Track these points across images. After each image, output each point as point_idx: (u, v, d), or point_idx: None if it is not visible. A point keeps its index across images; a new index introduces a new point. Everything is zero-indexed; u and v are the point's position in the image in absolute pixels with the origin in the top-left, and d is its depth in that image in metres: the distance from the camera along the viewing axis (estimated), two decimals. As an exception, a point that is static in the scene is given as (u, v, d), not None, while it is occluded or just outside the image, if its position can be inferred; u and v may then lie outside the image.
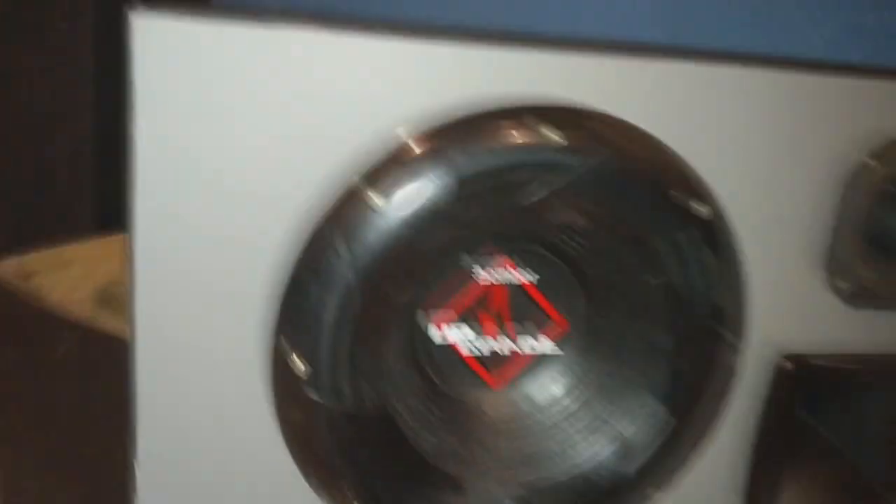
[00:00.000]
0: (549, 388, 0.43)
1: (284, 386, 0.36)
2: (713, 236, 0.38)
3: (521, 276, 0.42)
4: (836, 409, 0.48)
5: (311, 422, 0.36)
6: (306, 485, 0.38)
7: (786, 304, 0.42)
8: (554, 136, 0.35)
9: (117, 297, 0.63)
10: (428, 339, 0.41)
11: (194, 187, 0.34)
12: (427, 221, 0.35)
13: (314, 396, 0.36)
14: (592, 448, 0.42)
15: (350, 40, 0.34)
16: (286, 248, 0.35)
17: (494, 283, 0.42)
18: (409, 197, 0.35)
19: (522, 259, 0.41)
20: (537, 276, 0.42)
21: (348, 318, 0.35)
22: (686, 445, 0.41)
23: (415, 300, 0.39)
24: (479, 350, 0.43)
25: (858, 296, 0.42)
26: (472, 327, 0.42)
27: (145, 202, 0.33)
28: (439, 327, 0.42)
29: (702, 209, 0.38)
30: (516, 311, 0.42)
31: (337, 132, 0.35)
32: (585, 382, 0.43)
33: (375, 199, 0.34)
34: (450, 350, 0.42)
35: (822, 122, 0.40)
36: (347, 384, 0.36)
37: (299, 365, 0.35)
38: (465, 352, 0.42)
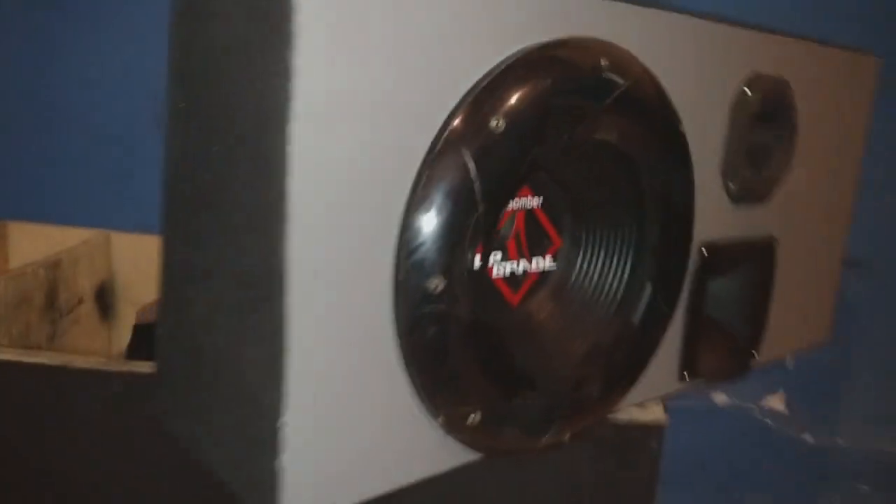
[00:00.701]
0: (552, 295, 0.51)
1: (415, 305, 0.38)
2: (686, 156, 0.50)
3: (533, 202, 0.49)
4: (720, 286, 0.63)
5: (443, 337, 0.39)
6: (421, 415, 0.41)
7: (700, 204, 0.55)
8: (604, 63, 0.43)
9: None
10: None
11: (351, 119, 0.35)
12: (526, 139, 0.40)
13: (449, 310, 0.39)
14: (604, 330, 0.50)
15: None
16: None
17: (516, 209, 0.48)
18: (520, 121, 0.40)
19: (535, 185, 0.48)
20: (542, 199, 0.49)
21: (468, 235, 0.39)
22: (666, 311, 0.52)
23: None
24: (503, 271, 0.48)
25: (740, 194, 0.57)
26: (500, 250, 0.48)
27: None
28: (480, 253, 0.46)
29: (681, 129, 0.49)
30: (529, 232, 0.49)
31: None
32: (580, 285, 0.51)
33: (496, 122, 0.39)
34: (484, 273, 0.47)
35: (717, 62, 0.54)
36: (468, 301, 0.40)
37: (435, 281, 0.38)
38: (495, 273, 0.48)
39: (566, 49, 0.42)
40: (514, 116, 0.39)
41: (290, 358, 0.35)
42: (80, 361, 0.56)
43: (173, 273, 0.45)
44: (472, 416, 0.42)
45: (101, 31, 0.90)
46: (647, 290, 0.50)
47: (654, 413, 0.55)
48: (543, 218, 0.50)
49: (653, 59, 0.47)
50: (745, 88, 0.55)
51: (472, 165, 0.38)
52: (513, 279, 0.49)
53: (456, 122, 0.38)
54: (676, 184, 0.50)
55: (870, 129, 0.71)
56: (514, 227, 0.48)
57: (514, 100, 0.39)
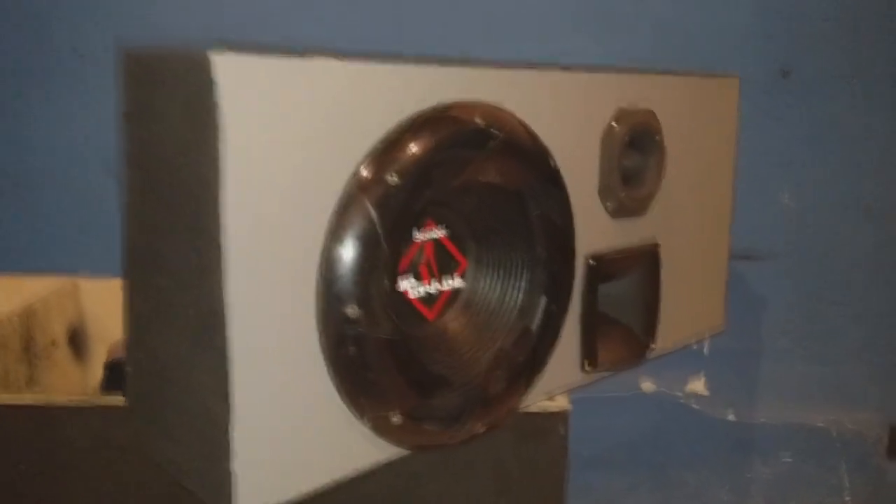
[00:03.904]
0: (463, 309, 0.60)
1: (337, 328, 0.47)
2: (560, 185, 0.59)
3: (438, 233, 0.58)
4: (609, 290, 0.73)
5: (363, 353, 0.48)
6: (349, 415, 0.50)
7: (584, 221, 0.65)
8: (479, 121, 0.53)
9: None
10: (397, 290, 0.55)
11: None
12: (417, 188, 0.50)
13: (365, 332, 0.48)
14: (509, 336, 0.60)
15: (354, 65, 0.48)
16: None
17: (424, 240, 0.57)
18: (412, 175, 0.49)
19: (438, 218, 0.58)
20: (447, 231, 0.59)
21: (380, 267, 0.48)
22: (559, 318, 0.62)
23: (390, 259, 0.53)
24: (419, 292, 0.58)
25: (618, 210, 0.67)
26: (414, 276, 0.57)
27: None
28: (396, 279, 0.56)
29: (552, 163, 0.59)
30: (439, 258, 0.58)
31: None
32: (484, 297, 0.61)
33: (393, 178, 0.48)
34: (400, 294, 0.56)
35: (586, 104, 0.64)
36: (385, 321, 0.49)
37: (352, 310, 0.47)
38: (411, 295, 0.57)
39: (449, 111, 0.52)
40: (405, 170, 0.48)
41: (235, 380, 0.44)
42: (59, 399, 0.64)
43: (136, 316, 0.54)
44: (394, 417, 0.51)
45: (62, 104, 0.99)
46: (542, 300, 0.60)
47: (560, 403, 0.65)
48: (449, 245, 0.59)
49: (528, 110, 0.57)
50: (613, 123, 0.65)
51: (374, 213, 0.47)
52: (428, 298, 0.58)
53: (359, 177, 0.48)
54: (555, 209, 0.60)
55: (738, 138, 0.82)
56: (425, 255, 0.57)
57: (404, 156, 0.49)
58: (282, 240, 0.45)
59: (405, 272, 0.56)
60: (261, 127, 0.43)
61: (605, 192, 0.66)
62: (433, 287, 0.58)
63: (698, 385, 1.11)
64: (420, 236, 0.57)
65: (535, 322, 0.60)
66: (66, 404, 0.63)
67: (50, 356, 0.91)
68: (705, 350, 1.09)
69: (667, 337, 0.77)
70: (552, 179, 0.59)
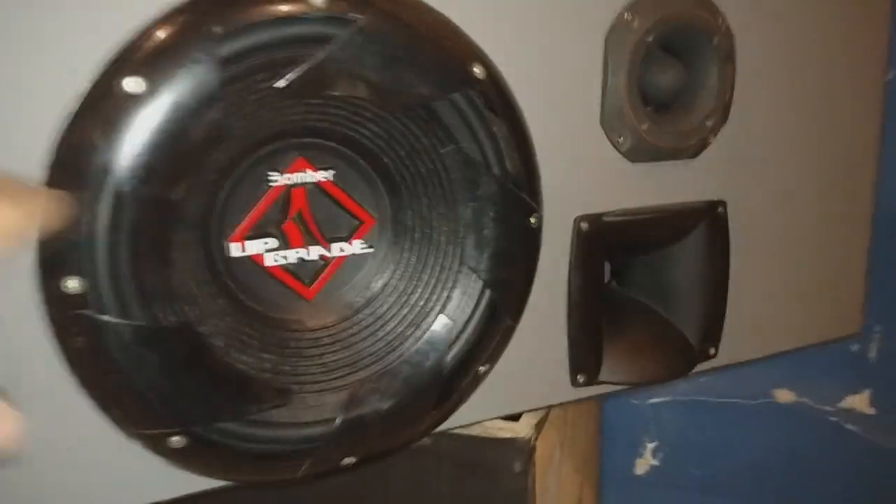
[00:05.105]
0: (366, 288, 0.42)
1: (60, 309, 0.32)
2: (492, 98, 0.39)
3: (317, 175, 0.41)
4: (639, 268, 0.50)
5: (99, 345, 0.33)
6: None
7: (574, 165, 0.43)
8: (316, 2, 0.34)
9: None
10: (227, 255, 0.39)
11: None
12: (193, 106, 0.33)
13: (95, 315, 0.32)
14: (417, 336, 0.41)
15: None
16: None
17: (290, 184, 0.40)
18: (169, 79, 0.32)
19: (318, 157, 0.40)
20: (334, 172, 0.41)
21: (123, 226, 0.32)
22: (505, 315, 0.42)
23: (208, 212, 0.37)
24: (284, 259, 0.41)
25: (636, 149, 0.44)
26: (276, 236, 0.40)
27: None
28: (240, 241, 0.39)
29: (477, 70, 0.38)
30: (320, 213, 0.41)
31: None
32: (400, 274, 0.42)
33: (132, 84, 0.31)
34: (252, 263, 0.40)
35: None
36: (136, 303, 0.33)
37: (73, 283, 0.32)
38: (269, 262, 0.40)
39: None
40: (155, 71, 0.32)
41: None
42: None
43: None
44: (174, 438, 0.35)
45: None
46: (470, 286, 0.41)
47: (518, 429, 0.45)
48: (339, 194, 0.41)
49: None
50: (626, 13, 0.42)
51: (109, 135, 0.31)
52: (303, 267, 0.41)
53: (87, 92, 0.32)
54: (505, 147, 0.39)
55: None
56: (292, 206, 0.40)
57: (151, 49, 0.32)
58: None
59: (257, 229, 0.39)
60: None
61: (612, 121, 0.44)
62: (312, 253, 0.41)
63: (860, 401, 0.81)
64: (281, 180, 0.40)
65: (459, 314, 0.41)
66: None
67: None
68: (872, 355, 0.79)
69: (743, 340, 0.53)
70: (474, 92, 0.38)
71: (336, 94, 0.36)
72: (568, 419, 0.57)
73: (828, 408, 0.82)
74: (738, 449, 0.85)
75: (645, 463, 0.87)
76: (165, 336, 0.34)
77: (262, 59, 0.34)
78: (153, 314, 0.34)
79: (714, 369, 0.52)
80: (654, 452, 0.87)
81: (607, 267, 0.52)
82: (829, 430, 0.82)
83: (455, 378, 0.41)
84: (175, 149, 0.33)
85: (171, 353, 0.35)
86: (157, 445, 0.35)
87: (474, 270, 0.41)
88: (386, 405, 0.39)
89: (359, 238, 0.42)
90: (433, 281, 0.41)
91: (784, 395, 0.83)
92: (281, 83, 0.34)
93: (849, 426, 0.82)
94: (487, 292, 0.41)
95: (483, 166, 0.39)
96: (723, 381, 0.82)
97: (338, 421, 0.39)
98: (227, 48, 0.33)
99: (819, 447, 0.83)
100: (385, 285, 0.42)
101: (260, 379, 0.37)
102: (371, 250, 0.42)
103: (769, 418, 0.83)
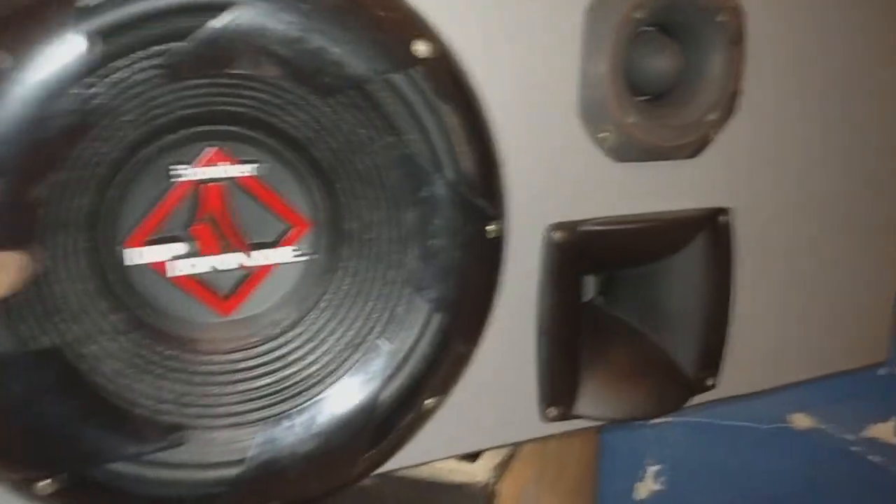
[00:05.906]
0: (295, 304, 0.36)
1: None
2: (440, 81, 0.32)
3: (237, 170, 0.34)
4: (627, 284, 0.43)
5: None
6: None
7: (546, 165, 0.37)
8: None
9: None
10: (121, 263, 0.33)
11: None
12: (67, 86, 0.26)
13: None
14: (352, 361, 0.35)
15: None
16: None
17: (201, 180, 0.34)
18: (39, 54, 0.26)
19: (238, 148, 0.34)
20: (258, 167, 0.34)
21: None
22: (458, 340, 0.35)
23: (95, 212, 0.31)
24: (192, 268, 0.34)
25: (622, 147, 0.37)
26: (183, 241, 0.34)
27: None
28: (139, 246, 0.33)
29: (421, 46, 0.31)
30: (241, 214, 0.35)
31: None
32: (336, 290, 0.36)
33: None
34: (152, 273, 0.34)
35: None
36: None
37: None
38: (175, 271, 0.34)
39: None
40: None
41: None
42: None
43: None
44: (41, 483, 0.29)
45: None
46: (416, 306, 0.34)
47: (474, 471, 0.38)
48: (265, 192, 0.35)
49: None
50: (609, -18, 0.35)
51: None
52: (219, 278, 0.35)
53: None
54: (456, 141, 0.33)
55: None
56: (201, 206, 0.34)
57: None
58: None
59: (160, 233, 0.33)
60: None
61: (593, 112, 0.37)
62: (229, 261, 0.35)
63: (885, 430, 0.73)
64: (189, 174, 0.33)
65: (403, 341, 0.34)
66: None
67: None
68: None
69: (749, 369, 0.46)
70: (417, 72, 0.31)
71: (239, 72, 0.29)
72: (548, 450, 0.51)
73: (849, 436, 0.74)
74: (749, 476, 0.77)
75: (646, 487, 0.80)
76: (28, 362, 0.28)
77: (146, 31, 0.28)
78: (17, 336, 0.28)
79: (714, 401, 0.45)
80: (657, 476, 0.80)
81: (593, 283, 0.45)
82: (849, 460, 0.75)
83: (396, 413, 0.35)
84: (33, 138, 0.27)
85: (36, 382, 0.29)
86: (24, 490, 0.29)
87: (419, 288, 0.34)
88: (308, 445, 0.33)
89: (289, 244, 0.36)
90: (374, 296, 0.35)
91: (801, 421, 0.75)
92: (164, 60, 0.28)
93: (872, 457, 0.74)
94: (436, 314, 0.34)
95: (430, 163, 0.33)
96: (734, 402, 0.75)
97: (248, 462, 0.33)
98: (100, 20, 0.27)
99: (838, 479, 0.75)
100: (318, 300, 0.36)
101: (151, 415, 0.31)
102: (304, 258, 0.36)
103: (784, 445, 0.75)
